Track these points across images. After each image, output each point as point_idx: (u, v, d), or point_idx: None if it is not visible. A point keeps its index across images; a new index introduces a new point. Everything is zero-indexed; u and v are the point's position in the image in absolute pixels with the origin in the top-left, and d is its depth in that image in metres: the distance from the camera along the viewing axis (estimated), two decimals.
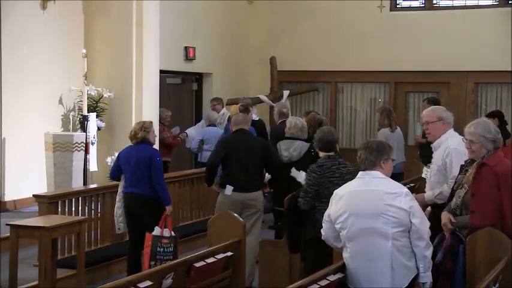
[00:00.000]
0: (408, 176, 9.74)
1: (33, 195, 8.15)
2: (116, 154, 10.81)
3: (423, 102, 10.36)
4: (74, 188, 9.46)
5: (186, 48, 13.83)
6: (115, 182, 8.00)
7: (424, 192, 6.26)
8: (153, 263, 7.08)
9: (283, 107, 10.42)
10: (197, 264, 5.41)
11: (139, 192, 7.42)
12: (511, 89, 13.95)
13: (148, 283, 4.74)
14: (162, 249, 7.18)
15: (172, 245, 7.25)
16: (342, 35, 14.86)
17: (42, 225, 6.76)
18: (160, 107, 11.99)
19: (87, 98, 10.88)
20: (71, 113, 11.58)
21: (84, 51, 10.76)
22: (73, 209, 8.13)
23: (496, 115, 10.91)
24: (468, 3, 14.44)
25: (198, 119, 13.96)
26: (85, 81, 10.61)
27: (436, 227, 5.25)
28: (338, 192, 4.98)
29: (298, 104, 15.60)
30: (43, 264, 6.60)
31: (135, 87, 11.72)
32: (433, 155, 6.28)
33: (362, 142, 5.18)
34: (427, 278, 4.83)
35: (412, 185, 8.40)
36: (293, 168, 7.82)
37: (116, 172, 7.71)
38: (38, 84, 11.04)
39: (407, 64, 14.36)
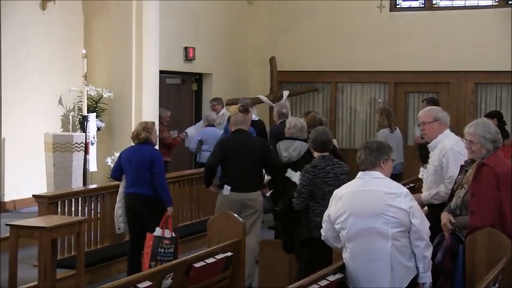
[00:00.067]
0: (408, 176, 9.75)
1: (33, 195, 8.15)
2: (116, 154, 10.84)
3: (422, 103, 10.37)
4: (74, 188, 9.45)
5: (185, 48, 13.83)
6: (115, 183, 8.00)
7: (421, 192, 6.27)
8: (153, 263, 7.09)
9: (282, 107, 10.42)
10: (197, 265, 5.41)
11: (140, 192, 7.43)
12: (511, 89, 13.95)
13: (148, 283, 4.74)
14: (163, 250, 7.19)
15: (172, 246, 7.27)
16: (342, 35, 14.86)
17: (42, 226, 6.76)
18: (160, 107, 11.99)
19: (87, 98, 10.88)
20: (71, 113, 11.58)
21: (84, 51, 10.76)
22: (73, 209, 8.12)
23: (495, 115, 10.90)
24: (468, 3, 14.43)
25: (197, 119, 13.96)
26: (85, 82, 10.61)
27: (435, 227, 5.25)
28: (338, 192, 4.98)
29: (297, 104, 15.60)
30: (43, 264, 6.60)
31: (135, 88, 11.72)
32: (429, 155, 6.29)
33: (362, 142, 5.17)
34: (426, 278, 4.83)
35: (411, 185, 8.39)
36: (289, 168, 7.82)
37: (117, 172, 7.71)
38: (38, 84, 11.04)
39: (407, 64, 14.37)
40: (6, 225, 6.91)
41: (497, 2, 14.13)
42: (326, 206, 6.08)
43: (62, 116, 11.49)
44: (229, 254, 5.86)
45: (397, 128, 10.68)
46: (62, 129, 11.36)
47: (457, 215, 5.41)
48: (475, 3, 14.38)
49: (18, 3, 10.63)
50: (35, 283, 6.87)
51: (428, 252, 4.81)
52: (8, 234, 7.04)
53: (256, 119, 11.24)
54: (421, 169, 6.72)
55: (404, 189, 4.85)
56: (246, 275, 6.68)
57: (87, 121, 10.53)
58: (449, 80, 14.30)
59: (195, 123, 13.39)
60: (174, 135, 11.95)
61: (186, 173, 10.52)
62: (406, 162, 10.62)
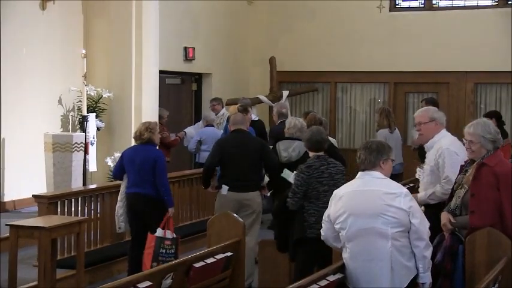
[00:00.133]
0: (408, 176, 9.74)
1: (32, 195, 8.14)
2: (116, 154, 10.88)
3: (421, 103, 10.36)
4: (74, 188, 9.45)
5: (185, 48, 13.82)
6: (114, 183, 8.00)
7: (418, 192, 6.27)
8: (155, 264, 7.09)
9: (282, 107, 10.42)
10: (197, 265, 5.41)
11: (142, 192, 7.44)
12: (511, 89, 13.96)
13: (147, 283, 4.74)
14: (164, 251, 7.22)
15: (174, 246, 7.29)
16: (342, 35, 14.86)
17: (41, 226, 6.76)
18: (159, 107, 11.99)
19: (87, 99, 10.88)
20: (71, 114, 11.58)
21: (83, 51, 10.76)
22: (72, 209, 8.12)
23: (494, 115, 10.89)
24: (467, 3, 14.43)
25: (197, 119, 13.95)
26: (84, 82, 10.61)
27: (435, 227, 5.25)
28: (337, 192, 4.98)
29: (297, 104, 15.60)
30: (43, 264, 6.60)
31: (135, 88, 11.73)
32: (426, 155, 6.29)
33: (361, 142, 5.17)
34: (426, 278, 4.83)
35: (411, 185, 8.39)
36: (285, 169, 7.82)
37: (119, 171, 7.72)
38: (38, 84, 11.04)
39: (407, 64, 14.37)
40: (6, 225, 6.91)
41: (497, 2, 14.13)
42: (320, 206, 6.14)
43: (61, 116, 11.49)
44: (229, 254, 5.86)
45: (397, 129, 10.68)
46: (61, 129, 11.36)
47: (456, 215, 5.41)
48: (474, 3, 14.39)
49: (17, 3, 10.63)
50: (35, 283, 6.87)
51: (428, 252, 4.81)
52: (8, 234, 7.04)
53: (256, 119, 11.24)
54: (418, 169, 6.71)
55: (404, 189, 4.85)
56: (246, 275, 6.68)
57: (86, 121, 10.53)
58: (449, 80, 14.30)
59: (194, 124, 13.38)
60: (172, 137, 11.96)
61: (186, 173, 10.52)
62: (406, 163, 10.62)
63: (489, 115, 10.78)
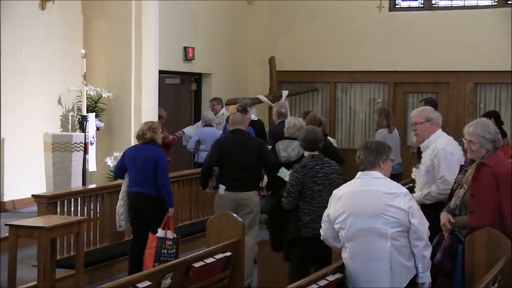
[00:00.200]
0: (407, 176, 9.71)
1: (32, 195, 8.14)
2: (115, 154, 10.87)
3: (420, 103, 10.36)
4: (73, 188, 9.45)
5: (185, 48, 13.82)
6: (114, 182, 8.00)
7: (414, 192, 6.27)
8: (157, 264, 7.10)
9: (281, 107, 10.41)
10: (196, 265, 5.41)
11: (143, 191, 7.46)
12: (511, 89, 13.96)
13: (147, 283, 4.74)
14: (166, 251, 7.24)
15: (175, 246, 7.32)
16: (341, 35, 14.86)
17: (41, 226, 6.75)
18: (159, 107, 11.98)
19: (86, 98, 10.88)
20: (70, 113, 11.57)
21: (83, 51, 10.75)
22: (72, 209, 8.12)
23: (492, 115, 10.89)
24: (467, 3, 14.44)
25: (197, 119, 13.94)
26: (84, 82, 10.60)
27: (434, 227, 5.25)
28: (337, 192, 4.98)
29: (297, 104, 15.59)
30: (42, 264, 6.60)
31: (134, 88, 11.72)
32: (422, 156, 6.29)
33: (361, 142, 5.17)
34: (426, 278, 4.83)
35: (410, 185, 8.38)
36: (282, 167, 7.83)
37: (120, 170, 7.72)
38: (37, 84, 11.04)
39: (407, 64, 14.37)
40: (6, 225, 6.90)
41: (497, 2, 14.13)
42: (315, 206, 6.15)
43: (61, 116, 11.48)
44: (228, 253, 5.86)
45: (395, 129, 10.68)
46: (61, 129, 11.35)
47: (456, 214, 5.41)
48: (474, 3, 14.39)
49: (17, 3, 10.63)
50: (34, 283, 6.87)
51: (428, 252, 4.81)
52: (7, 234, 7.04)
53: (256, 118, 11.25)
54: (414, 169, 6.72)
55: (404, 189, 4.86)
56: (245, 274, 6.69)
57: (86, 121, 10.53)
58: (448, 80, 14.30)
59: (194, 123, 13.39)
60: (170, 137, 11.95)
61: (185, 172, 10.52)
62: (405, 163, 10.61)
63: (488, 115, 10.77)
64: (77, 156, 10.33)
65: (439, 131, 6.22)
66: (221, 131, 10.95)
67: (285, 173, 7.51)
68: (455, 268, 5.26)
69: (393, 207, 4.71)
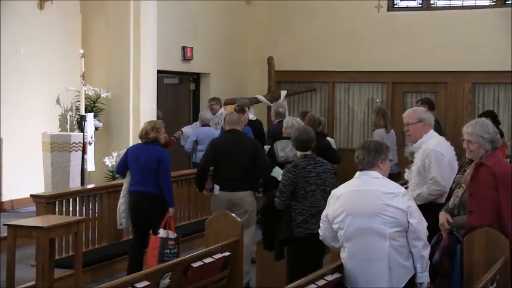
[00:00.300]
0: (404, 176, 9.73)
1: (30, 195, 8.13)
2: (114, 154, 10.88)
3: (417, 103, 10.36)
4: (72, 188, 9.45)
5: (183, 48, 13.82)
6: (112, 182, 8.01)
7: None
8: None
9: (279, 107, 10.41)
10: (195, 264, 5.40)
11: (145, 190, 7.46)
12: (510, 89, 13.97)
13: (146, 283, 4.74)
14: (168, 251, 7.25)
15: (176, 245, 7.32)
16: (340, 35, 14.87)
17: (39, 225, 6.75)
18: (157, 107, 11.99)
19: (85, 98, 10.88)
20: (69, 113, 11.57)
21: (81, 51, 10.76)
22: (70, 209, 8.12)
23: (489, 115, 10.91)
24: (465, 3, 14.45)
25: (195, 119, 13.93)
26: (82, 81, 10.60)
27: (433, 227, 5.26)
28: (335, 192, 4.98)
29: (295, 104, 15.60)
30: (41, 264, 6.60)
31: (133, 87, 11.73)
32: (414, 156, 6.30)
33: (359, 142, 5.18)
34: (424, 278, 4.83)
35: (407, 186, 8.38)
36: (276, 167, 7.81)
37: (122, 168, 7.72)
38: (36, 84, 11.04)
39: (405, 64, 14.38)
40: (4, 225, 6.90)
41: (495, 2, 14.14)
42: (308, 205, 6.15)
43: (59, 115, 11.48)
44: (227, 253, 5.86)
45: (393, 129, 10.69)
46: (59, 129, 11.36)
47: (454, 214, 5.42)
48: (472, 3, 14.40)
49: (16, 3, 10.63)
50: (33, 283, 6.86)
51: (426, 252, 4.82)
52: (6, 234, 7.03)
53: (254, 118, 11.24)
54: (406, 170, 6.72)
55: (402, 189, 4.86)
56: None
57: (85, 121, 10.53)
58: (447, 80, 14.31)
59: (192, 123, 13.38)
60: (167, 137, 11.95)
61: (184, 172, 10.50)
62: (403, 163, 10.61)
63: (485, 115, 10.80)
64: (76, 156, 10.33)
65: (431, 132, 6.23)
66: (219, 131, 10.94)
67: (278, 173, 7.51)
68: (453, 268, 5.26)
69: (392, 207, 4.71)
